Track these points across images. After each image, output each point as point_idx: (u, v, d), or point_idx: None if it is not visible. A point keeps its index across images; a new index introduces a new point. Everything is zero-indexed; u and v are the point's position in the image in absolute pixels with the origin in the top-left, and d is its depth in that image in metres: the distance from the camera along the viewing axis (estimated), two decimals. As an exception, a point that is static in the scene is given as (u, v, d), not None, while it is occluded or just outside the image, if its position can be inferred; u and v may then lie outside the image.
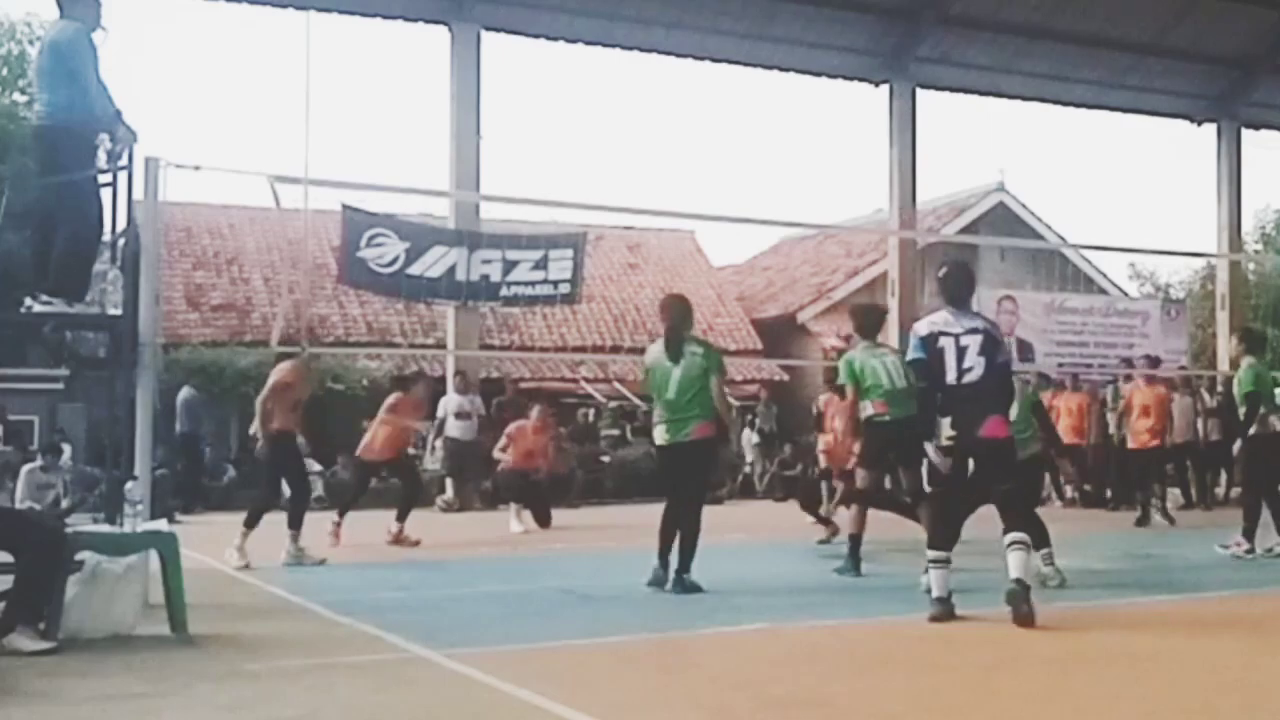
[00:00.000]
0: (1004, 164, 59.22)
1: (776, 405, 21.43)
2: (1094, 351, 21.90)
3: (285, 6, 17.56)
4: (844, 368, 8.97)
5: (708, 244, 31.04)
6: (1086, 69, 21.96)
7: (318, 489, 18.21)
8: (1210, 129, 23.54)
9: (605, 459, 19.73)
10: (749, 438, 21.00)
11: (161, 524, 7.15)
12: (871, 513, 9.09)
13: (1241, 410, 10.43)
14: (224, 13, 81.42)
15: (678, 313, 8.37)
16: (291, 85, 65.35)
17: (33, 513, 12.00)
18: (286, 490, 10.72)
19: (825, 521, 11.86)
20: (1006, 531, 6.64)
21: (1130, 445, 14.16)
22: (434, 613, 7.41)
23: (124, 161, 7.68)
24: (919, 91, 21.11)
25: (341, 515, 11.94)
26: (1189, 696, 5.05)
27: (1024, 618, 6.35)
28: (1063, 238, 27.40)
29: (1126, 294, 28.89)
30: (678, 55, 20.13)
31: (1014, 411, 7.37)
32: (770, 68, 20.78)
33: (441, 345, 20.41)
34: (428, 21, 18.22)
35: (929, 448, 6.82)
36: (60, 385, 20.15)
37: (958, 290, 7.00)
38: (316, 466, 18.42)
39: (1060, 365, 19.90)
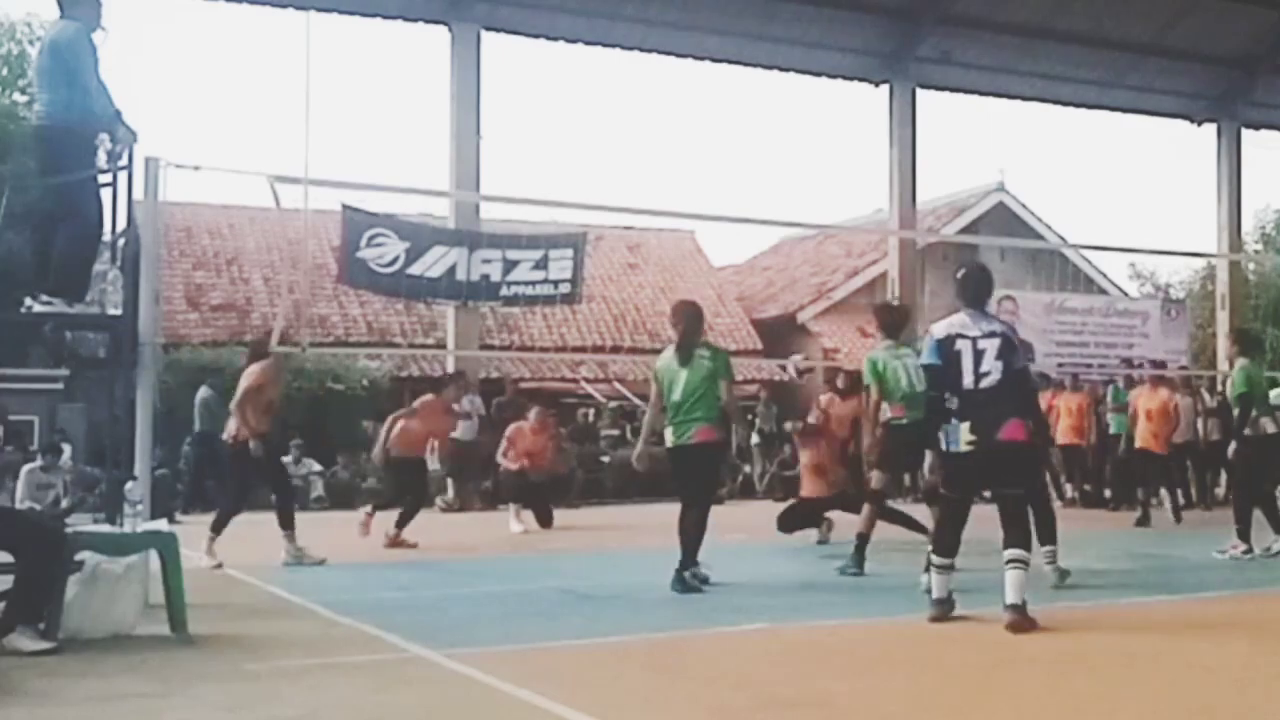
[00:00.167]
0: (1004, 164, 59.24)
1: (776, 405, 21.43)
2: (1094, 351, 21.88)
3: (285, 6, 17.56)
4: (868, 368, 9.00)
5: (708, 244, 31.07)
6: (1086, 69, 21.96)
7: (318, 489, 18.28)
8: (1210, 129, 23.53)
9: (605, 459, 19.72)
10: (750, 438, 20.99)
11: (161, 524, 7.15)
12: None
13: (1236, 412, 10.46)
14: (224, 13, 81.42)
15: (690, 319, 8.49)
16: (291, 85, 65.32)
17: (33, 513, 12.00)
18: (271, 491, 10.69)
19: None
20: (1007, 546, 6.59)
21: (1137, 445, 14.23)
22: (434, 613, 7.41)
23: (124, 161, 7.68)
24: (919, 91, 21.11)
25: (375, 511, 12.13)
26: (1189, 697, 5.05)
27: (1020, 629, 6.36)
28: (1063, 238, 27.40)
29: (1126, 294, 28.87)
30: (678, 55, 20.12)
31: None
32: (770, 68, 20.78)
33: (441, 345, 20.41)
34: (428, 21, 18.22)
35: (928, 456, 6.91)
36: (60, 385, 20.13)
37: (976, 292, 6.94)
38: (317, 466, 18.46)
39: (1060, 365, 19.87)
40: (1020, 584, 6.48)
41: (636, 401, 22.72)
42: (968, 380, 6.64)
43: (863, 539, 9.01)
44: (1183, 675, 5.48)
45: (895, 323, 9.42)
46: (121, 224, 7.88)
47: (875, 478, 9.15)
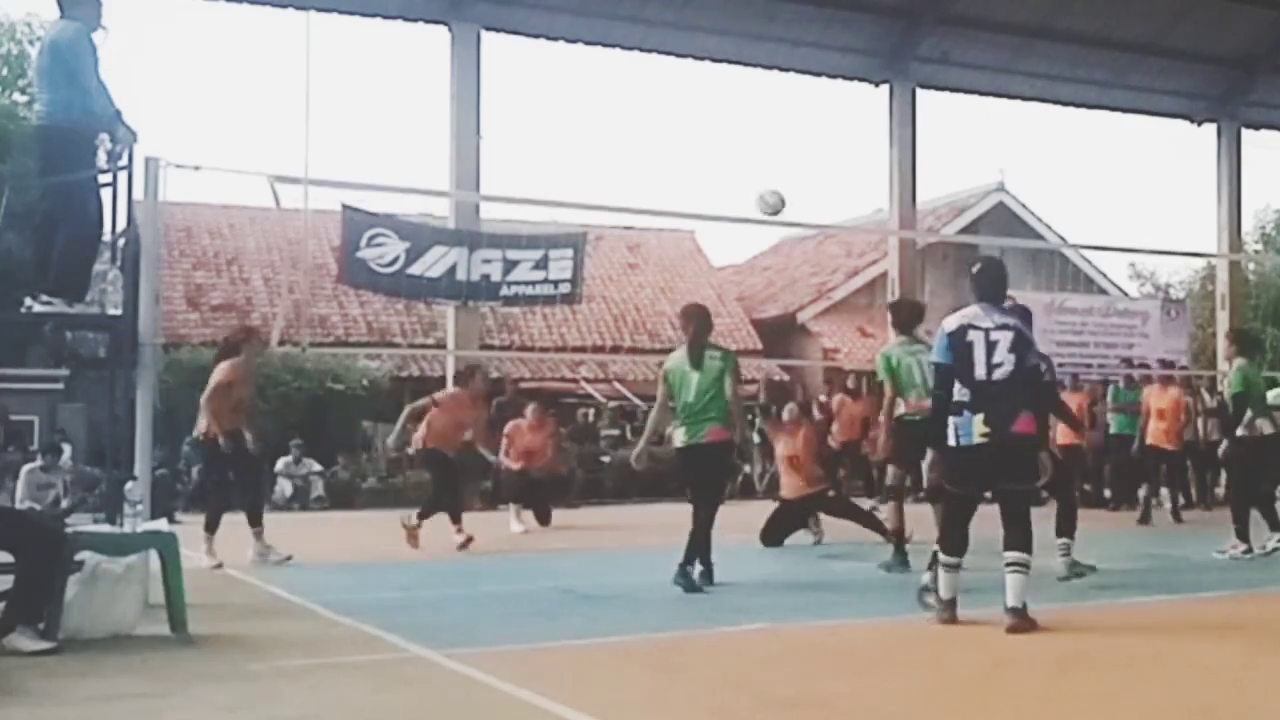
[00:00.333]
0: (1004, 164, 59.26)
1: (776, 406, 21.41)
2: (1094, 351, 21.90)
3: (285, 6, 17.56)
4: (881, 363, 9.04)
5: (708, 244, 31.07)
6: (1086, 69, 21.95)
7: (318, 488, 18.29)
8: (1210, 129, 23.53)
9: (605, 459, 19.72)
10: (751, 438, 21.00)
11: (161, 524, 7.15)
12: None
13: (1231, 412, 10.49)
14: (224, 13, 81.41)
15: (700, 321, 8.61)
16: (291, 85, 65.35)
17: (33, 513, 12.00)
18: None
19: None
20: (1008, 548, 6.54)
21: (1149, 442, 14.37)
22: (434, 613, 7.41)
23: (124, 161, 7.68)
24: (919, 91, 21.10)
25: (454, 519, 11.47)
26: (1189, 697, 5.05)
27: (1020, 631, 6.34)
28: (1063, 238, 27.42)
29: (1126, 294, 28.89)
30: (678, 55, 20.12)
31: None
32: (770, 68, 20.77)
33: (441, 345, 20.42)
34: (428, 21, 18.22)
35: (930, 454, 6.85)
36: (60, 385, 20.15)
37: (992, 287, 6.80)
38: (317, 466, 18.46)
39: (1060, 365, 19.84)
40: (1021, 587, 6.44)
41: (636, 401, 22.72)
42: (980, 371, 6.52)
43: (898, 535, 9.11)
44: (1183, 675, 5.48)
45: (909, 318, 9.42)
46: (121, 224, 7.88)
47: (891, 474, 9.24)
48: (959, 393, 6.56)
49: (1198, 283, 31.47)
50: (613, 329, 24.92)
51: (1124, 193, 59.02)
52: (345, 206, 16.46)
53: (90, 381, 18.25)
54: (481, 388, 12.71)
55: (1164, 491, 15.54)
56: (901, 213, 21.09)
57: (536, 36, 18.96)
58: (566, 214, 21.13)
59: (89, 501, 13.90)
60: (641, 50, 19.70)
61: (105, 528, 7.09)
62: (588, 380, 23.41)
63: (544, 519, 13.71)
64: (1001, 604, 6.45)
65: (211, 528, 9.83)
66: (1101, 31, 21.18)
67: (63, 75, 7.58)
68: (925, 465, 7.25)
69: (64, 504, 14.07)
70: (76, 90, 7.52)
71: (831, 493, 11.78)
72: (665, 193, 61.43)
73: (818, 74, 21.11)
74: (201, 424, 10.00)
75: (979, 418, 6.48)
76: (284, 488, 17.89)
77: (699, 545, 8.26)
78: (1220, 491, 17.63)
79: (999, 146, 59.98)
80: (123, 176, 7.69)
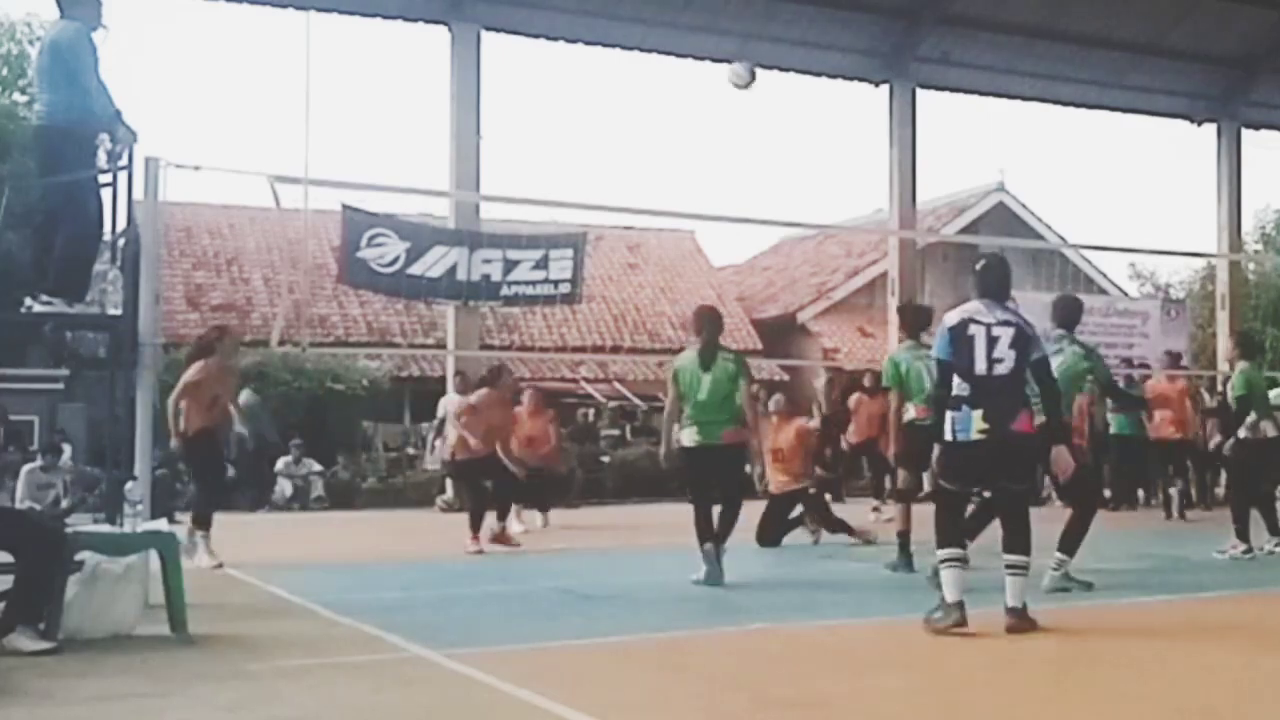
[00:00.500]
0: (1004, 164, 59.28)
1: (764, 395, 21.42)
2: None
3: (285, 6, 17.56)
4: (889, 369, 9.06)
5: (708, 244, 31.07)
6: (1086, 69, 21.95)
7: (318, 488, 18.28)
8: (1210, 129, 23.53)
9: (605, 459, 19.72)
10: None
11: (161, 524, 7.15)
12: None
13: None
14: (224, 13, 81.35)
15: (713, 324, 8.77)
16: (291, 85, 65.36)
17: (33, 513, 12.00)
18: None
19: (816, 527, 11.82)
20: (1007, 550, 6.52)
21: (1151, 436, 14.47)
22: (434, 613, 7.41)
23: (124, 161, 7.68)
24: (919, 91, 21.10)
25: (474, 526, 11.16)
26: (1189, 697, 5.05)
27: (1020, 631, 6.32)
28: (1063, 238, 27.42)
29: (1126, 294, 28.88)
30: (678, 55, 20.12)
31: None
32: (770, 68, 20.71)
33: (441, 345, 20.42)
34: (428, 21, 18.22)
35: (936, 449, 6.80)
36: (60, 385, 20.15)
37: (996, 284, 6.73)
38: (317, 466, 18.46)
39: (1060, 365, 19.87)
40: (1020, 588, 6.42)
41: (636, 401, 22.74)
42: (980, 366, 6.45)
43: (903, 536, 9.08)
44: (1183, 675, 5.48)
45: (916, 323, 9.43)
46: (121, 224, 7.88)
47: (902, 477, 9.27)
48: (958, 387, 6.48)
49: (1198, 283, 31.46)
50: (613, 329, 24.93)
51: (1124, 193, 59.08)
52: (345, 206, 16.45)
53: (90, 381, 18.25)
54: (511, 385, 12.33)
55: (1163, 491, 15.57)
56: (901, 213, 21.09)
57: (536, 36, 18.96)
58: (566, 214, 21.14)
59: (89, 501, 13.90)
60: (641, 50, 19.70)
61: (105, 528, 7.09)
62: (588, 380, 23.41)
63: (543, 506, 13.69)
64: (1001, 604, 6.44)
65: (205, 525, 9.76)
66: (1101, 31, 21.18)
67: (63, 75, 7.58)
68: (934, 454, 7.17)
69: (64, 504, 14.07)
70: (76, 90, 7.52)
71: (813, 490, 11.66)
72: (665, 193, 61.48)
73: (818, 74, 21.10)
74: (172, 424, 9.97)
75: (978, 413, 6.40)
76: (284, 488, 17.89)
77: (725, 536, 8.57)
78: (1220, 491, 17.69)
79: (999, 146, 60.05)
80: (123, 176, 7.69)
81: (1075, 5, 20.67)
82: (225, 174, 12.84)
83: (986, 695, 5.12)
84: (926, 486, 7.97)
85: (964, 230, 25.82)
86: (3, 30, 24.13)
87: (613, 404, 22.43)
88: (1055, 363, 8.28)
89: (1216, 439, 16.14)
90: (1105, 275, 28.10)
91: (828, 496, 12.75)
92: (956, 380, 6.50)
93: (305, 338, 15.56)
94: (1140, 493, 17.01)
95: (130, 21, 51.04)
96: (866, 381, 13.73)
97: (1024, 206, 27.35)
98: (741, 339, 24.98)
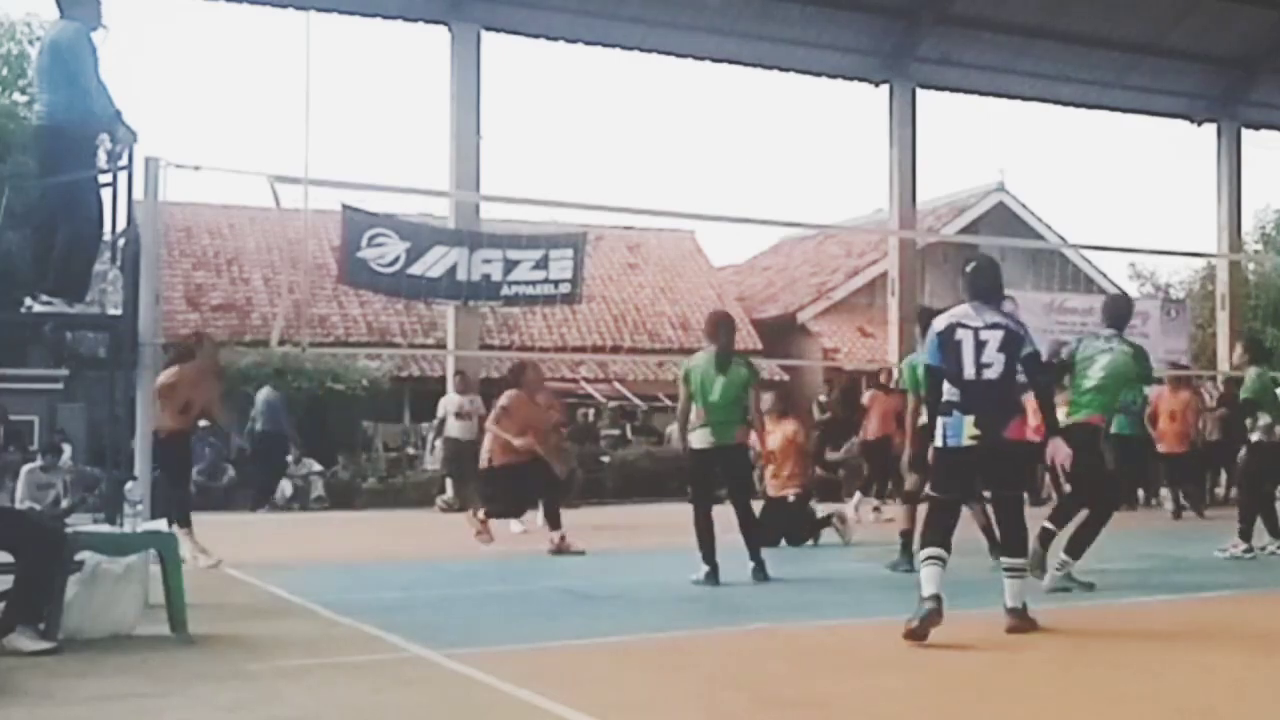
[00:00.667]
0: (1004, 164, 59.31)
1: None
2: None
3: (285, 6, 17.58)
4: (907, 372, 9.11)
5: (708, 244, 31.07)
6: (1086, 69, 21.96)
7: (318, 488, 18.28)
8: (1210, 129, 23.55)
9: (605, 459, 19.72)
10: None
11: (161, 524, 7.15)
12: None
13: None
14: (224, 13, 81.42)
15: (729, 330, 9.04)
16: (291, 85, 65.39)
17: (33, 513, 12.00)
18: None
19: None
20: (1004, 554, 6.52)
21: (1160, 449, 14.58)
22: (434, 613, 7.40)
23: (124, 161, 7.69)
24: (919, 91, 21.12)
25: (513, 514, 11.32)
26: (1189, 697, 5.05)
27: (1020, 631, 6.32)
28: (1063, 238, 27.41)
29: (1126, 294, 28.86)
30: (678, 55, 20.14)
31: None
32: (770, 68, 20.79)
33: (441, 345, 20.42)
34: (428, 21, 18.23)
35: (931, 451, 6.81)
36: (60, 385, 20.15)
37: (986, 287, 6.65)
38: (317, 466, 18.47)
39: (1060, 365, 19.89)
40: (1019, 589, 6.41)
41: (636, 401, 22.74)
42: (969, 371, 6.38)
43: (906, 536, 9.10)
44: (1183, 676, 5.48)
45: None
46: (121, 224, 7.88)
47: (910, 479, 9.30)
48: (949, 392, 6.42)
49: (1198, 283, 31.50)
50: (613, 329, 24.91)
51: (1124, 193, 59.14)
52: (345, 206, 16.45)
53: (90, 381, 18.26)
54: (536, 379, 12.00)
55: (1164, 491, 15.59)
56: (901, 213, 21.10)
57: (536, 36, 18.98)
58: (566, 214, 21.15)
59: (89, 501, 13.90)
60: (641, 50, 19.72)
61: (105, 528, 7.09)
62: (588, 380, 23.41)
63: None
64: (1001, 604, 6.45)
65: (185, 523, 9.68)
66: (1101, 31, 21.20)
67: (63, 75, 7.58)
68: (903, 465, 7.25)
69: (64, 504, 14.07)
70: (76, 90, 7.52)
71: (792, 499, 11.60)
72: (665, 193, 61.51)
73: (818, 74, 21.13)
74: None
75: (969, 419, 6.33)
76: (284, 488, 17.90)
77: (756, 537, 8.80)
78: (1220, 492, 17.73)
79: (999, 146, 60.07)
80: (123, 176, 7.69)
81: (1075, 5, 20.68)
82: (225, 174, 12.86)
83: (986, 695, 5.12)
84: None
85: (964, 230, 25.81)
86: (3, 30, 24.15)
87: (613, 404, 22.42)
88: (1104, 361, 8.32)
89: (1214, 438, 16.34)
90: (1105, 275, 28.08)
91: (813, 502, 12.65)
92: (947, 386, 6.44)
93: (305, 338, 15.57)
94: (1140, 492, 17.02)
95: (130, 21, 51.13)
96: (883, 378, 13.70)
97: (1024, 206, 27.34)
98: (741, 339, 24.84)
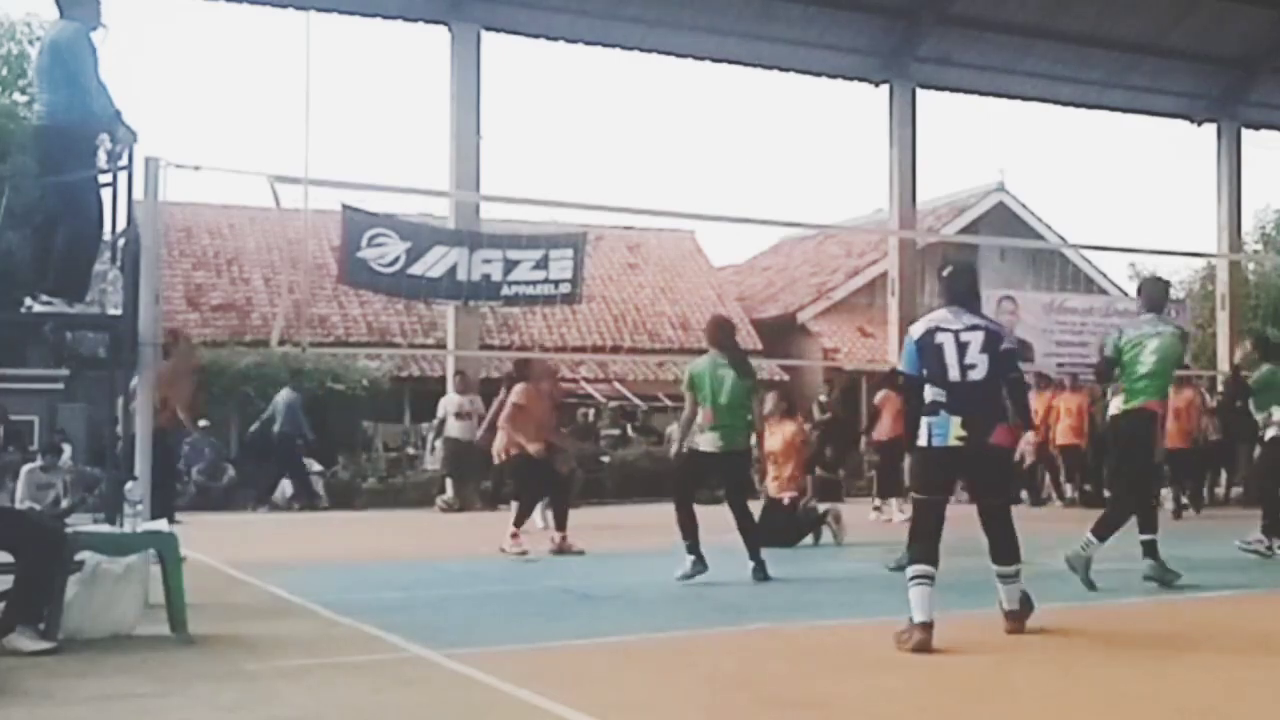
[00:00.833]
0: (1004, 164, 59.33)
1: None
2: (1094, 351, 21.90)
3: (285, 6, 17.57)
4: None
5: (708, 244, 31.09)
6: (1086, 69, 21.96)
7: (318, 488, 18.28)
8: (1210, 129, 23.54)
9: (605, 459, 19.72)
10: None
11: (161, 524, 7.15)
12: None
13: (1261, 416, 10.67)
14: (224, 13, 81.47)
15: (729, 334, 9.22)
16: (291, 85, 65.44)
17: (33, 513, 11.99)
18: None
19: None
20: (996, 560, 6.45)
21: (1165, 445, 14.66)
22: (434, 613, 7.40)
23: (124, 161, 7.68)
24: (919, 91, 21.12)
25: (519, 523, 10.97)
26: (1189, 697, 5.05)
27: (1020, 632, 6.33)
28: (1063, 238, 27.41)
29: (1126, 294, 28.84)
30: (678, 55, 20.14)
31: None
32: (770, 68, 20.79)
33: (441, 345, 20.42)
34: (428, 21, 18.23)
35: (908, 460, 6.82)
36: (60, 385, 20.15)
37: (963, 291, 6.57)
38: (317, 466, 18.47)
39: (1060, 365, 19.89)
40: (1015, 592, 6.40)
41: (636, 401, 22.73)
42: (954, 373, 6.28)
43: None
44: (1183, 676, 5.48)
45: None
46: (121, 224, 7.88)
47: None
48: (935, 393, 6.31)
49: (1198, 283, 31.46)
50: (613, 329, 24.91)
51: (1124, 193, 59.14)
52: (345, 206, 16.45)
53: (90, 381, 18.25)
54: (545, 372, 11.92)
55: (1164, 491, 15.56)
56: (901, 213, 21.09)
57: (536, 36, 18.97)
58: (566, 214, 21.15)
59: (89, 501, 13.90)
60: (641, 50, 19.72)
61: (105, 528, 7.09)
62: (588, 380, 23.40)
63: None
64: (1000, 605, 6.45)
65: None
66: (1101, 31, 21.19)
67: (62, 75, 7.58)
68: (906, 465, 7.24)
69: (64, 504, 14.07)
70: (76, 90, 7.52)
71: (787, 500, 11.58)
72: (665, 193, 61.54)
73: (818, 74, 21.13)
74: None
75: (957, 420, 6.23)
76: (284, 488, 17.90)
77: (755, 537, 8.87)
78: (1220, 491, 17.76)
79: (999, 146, 60.09)
80: (123, 176, 7.69)
81: (1075, 5, 20.68)
82: (225, 174, 12.85)
83: (987, 695, 5.12)
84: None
85: (964, 230, 25.81)
86: (3, 30, 24.14)
87: (613, 404, 22.42)
88: (1154, 345, 8.25)
89: (1215, 438, 16.39)
90: (1105, 275, 28.09)
91: (813, 501, 12.65)
92: (931, 388, 6.34)
93: (305, 338, 15.59)
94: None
95: (130, 21, 51.14)
96: (899, 379, 13.69)
97: (1024, 206, 27.33)
98: (741, 339, 24.88)
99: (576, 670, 5.64)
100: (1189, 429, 15.06)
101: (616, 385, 23.30)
